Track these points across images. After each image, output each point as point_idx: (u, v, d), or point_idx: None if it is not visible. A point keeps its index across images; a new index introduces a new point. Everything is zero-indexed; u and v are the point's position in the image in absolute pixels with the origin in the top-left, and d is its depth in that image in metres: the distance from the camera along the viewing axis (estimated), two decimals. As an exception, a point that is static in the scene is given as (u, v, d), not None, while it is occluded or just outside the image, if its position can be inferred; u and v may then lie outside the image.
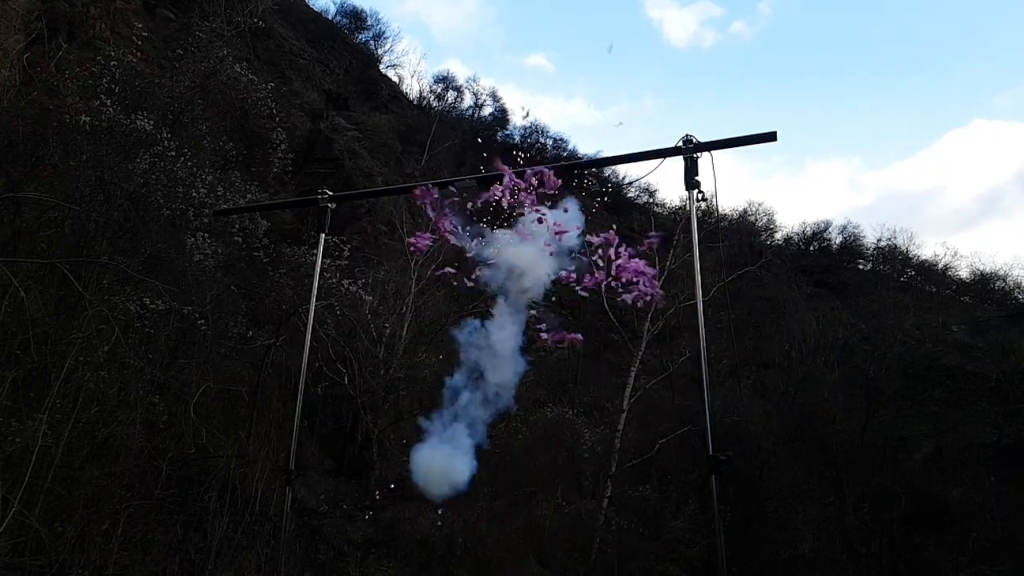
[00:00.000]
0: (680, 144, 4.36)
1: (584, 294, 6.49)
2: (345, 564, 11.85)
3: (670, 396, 22.20)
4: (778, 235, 44.17)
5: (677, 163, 4.45)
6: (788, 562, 18.72)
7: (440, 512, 12.43)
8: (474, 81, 49.29)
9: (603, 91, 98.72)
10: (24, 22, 13.38)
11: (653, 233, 7.08)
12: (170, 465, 10.20)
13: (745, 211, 42.88)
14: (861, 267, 43.72)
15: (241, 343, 11.73)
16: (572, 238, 7.76)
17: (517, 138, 43.38)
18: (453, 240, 6.78)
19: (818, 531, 20.62)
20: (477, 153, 35.31)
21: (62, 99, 12.06)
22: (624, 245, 7.18)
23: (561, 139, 44.68)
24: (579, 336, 5.99)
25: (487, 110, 43.09)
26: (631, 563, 15.32)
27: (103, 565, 8.64)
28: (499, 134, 43.07)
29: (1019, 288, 39.00)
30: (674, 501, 18.24)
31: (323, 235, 5.51)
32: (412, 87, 40.97)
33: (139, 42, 16.26)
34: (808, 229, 44.76)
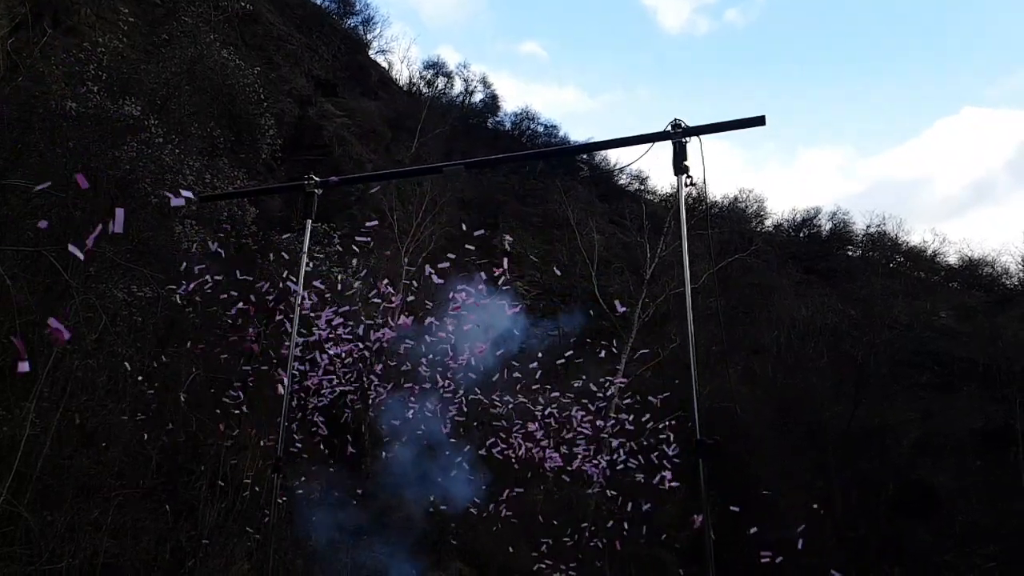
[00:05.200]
0: (668, 129, 4.34)
1: None
2: (336, 551, 11.88)
3: (661, 382, 22.26)
4: (768, 222, 44.25)
5: (668, 150, 4.43)
6: (777, 546, 18.85)
7: (432, 499, 12.48)
8: (465, 67, 49.09)
9: (597, 79, 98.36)
10: (7, 7, 13.21)
11: None
12: (160, 454, 10.19)
13: (736, 198, 42.94)
14: (850, 253, 43.78)
15: (230, 331, 11.70)
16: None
17: (508, 125, 43.24)
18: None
19: (807, 515, 20.77)
20: (468, 139, 35.27)
21: (47, 85, 11.93)
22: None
23: (552, 126, 44.49)
24: None
25: (478, 96, 42.88)
26: (622, 547, 15.40)
27: (93, 554, 8.64)
28: (490, 121, 42.89)
29: (1007, 274, 39.13)
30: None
31: (309, 221, 5.47)
32: (402, 73, 40.74)
33: (125, 28, 16.06)
34: (798, 216, 44.80)
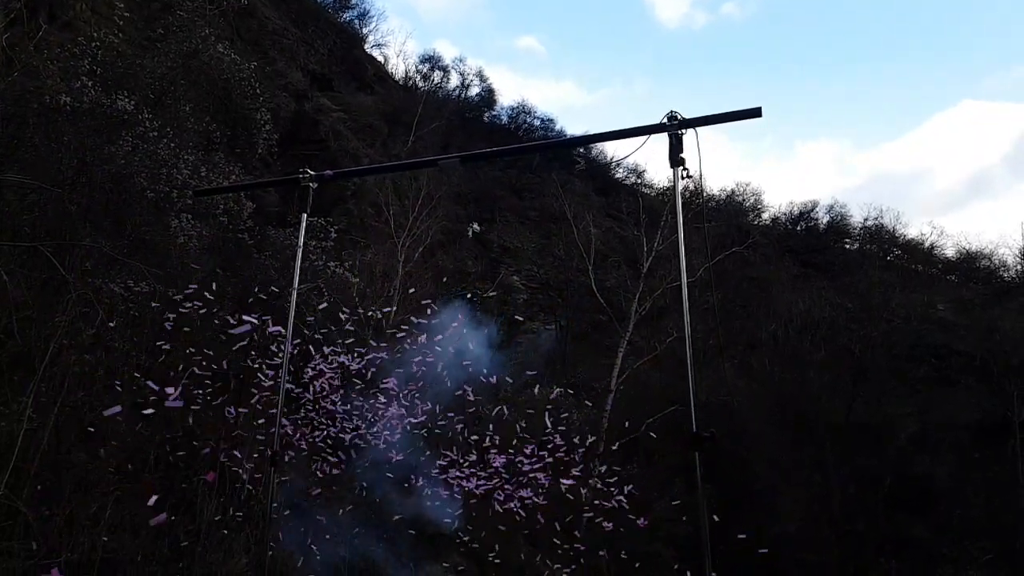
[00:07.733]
0: (664, 120, 4.30)
1: None
2: (335, 545, 11.87)
3: (658, 376, 22.29)
4: (765, 215, 44.32)
5: (665, 143, 4.39)
6: (775, 541, 18.92)
7: (429, 494, 12.50)
8: (461, 61, 49.02)
9: (594, 73, 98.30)
10: (2, 2, 13.16)
11: None
12: (158, 449, 10.18)
13: (733, 191, 42.99)
14: (848, 247, 43.85)
15: (227, 326, 11.69)
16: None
17: (504, 119, 43.22)
18: None
19: (805, 510, 20.81)
20: (464, 134, 35.24)
21: (43, 80, 11.90)
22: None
23: (549, 120, 44.48)
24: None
25: (474, 90, 42.83)
26: (618, 542, 15.42)
27: (91, 548, 8.63)
28: (486, 115, 42.86)
29: (1004, 267, 39.15)
30: (661, 480, 18.36)
31: (305, 215, 5.43)
32: (398, 67, 40.72)
33: (120, 22, 16.02)
34: (795, 209, 44.87)
